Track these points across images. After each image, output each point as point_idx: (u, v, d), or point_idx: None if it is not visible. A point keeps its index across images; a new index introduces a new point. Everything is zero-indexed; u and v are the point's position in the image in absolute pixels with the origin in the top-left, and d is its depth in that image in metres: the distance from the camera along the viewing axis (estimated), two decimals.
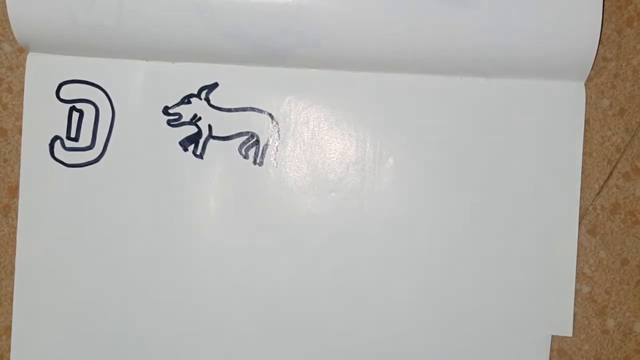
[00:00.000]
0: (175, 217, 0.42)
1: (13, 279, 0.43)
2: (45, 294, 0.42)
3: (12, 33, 0.42)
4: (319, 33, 0.40)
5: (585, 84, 0.41)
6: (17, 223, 0.43)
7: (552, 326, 0.42)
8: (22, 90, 0.44)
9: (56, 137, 0.43)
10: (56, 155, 0.43)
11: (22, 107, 0.43)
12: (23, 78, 0.43)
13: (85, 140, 0.43)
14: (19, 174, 0.43)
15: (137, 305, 0.42)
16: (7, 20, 0.42)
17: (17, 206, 0.43)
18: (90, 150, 0.43)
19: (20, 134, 0.43)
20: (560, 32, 0.39)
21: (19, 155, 0.43)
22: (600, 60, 0.42)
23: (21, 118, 0.43)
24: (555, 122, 0.42)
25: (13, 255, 0.43)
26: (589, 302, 0.42)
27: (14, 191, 0.43)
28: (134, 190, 0.42)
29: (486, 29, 0.40)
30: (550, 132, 0.42)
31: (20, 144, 0.43)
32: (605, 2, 0.40)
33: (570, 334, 0.42)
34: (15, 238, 0.43)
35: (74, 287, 0.42)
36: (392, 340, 0.42)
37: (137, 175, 0.42)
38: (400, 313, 0.42)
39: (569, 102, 0.42)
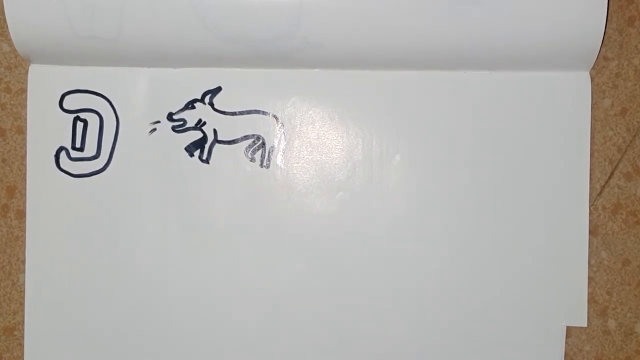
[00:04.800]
0: (184, 223, 0.42)
1: (12, 280, 0.43)
2: (55, 303, 0.43)
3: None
4: (322, 34, 0.40)
5: None
6: (15, 224, 0.43)
7: (566, 317, 0.42)
8: (21, 89, 0.43)
9: (61, 148, 0.42)
10: (62, 166, 0.42)
11: (21, 107, 0.43)
12: (22, 78, 0.43)
13: (90, 149, 0.42)
14: (17, 174, 0.43)
15: (146, 310, 0.43)
16: (6, 20, 0.41)
17: (15, 206, 0.43)
18: (96, 160, 0.42)
19: (19, 133, 0.43)
20: (564, 20, 0.39)
21: (18, 155, 0.43)
22: (601, 60, 0.42)
23: (20, 118, 0.43)
24: (562, 113, 0.42)
25: (12, 255, 0.43)
26: (590, 302, 0.42)
27: (12, 191, 0.43)
28: (141, 197, 0.42)
29: (489, 22, 0.39)
30: (557, 123, 0.42)
31: (18, 144, 0.43)
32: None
33: (585, 325, 0.42)
34: (14, 238, 0.43)
35: (83, 297, 0.43)
36: (407, 336, 0.42)
37: (144, 183, 0.42)
38: (413, 309, 0.42)
39: (574, 92, 0.42)
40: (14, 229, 0.43)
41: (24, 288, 0.42)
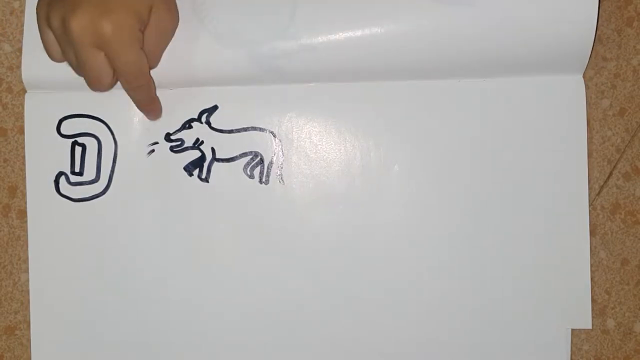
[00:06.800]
0: (186, 242, 0.42)
1: (13, 280, 0.44)
2: (60, 324, 0.43)
3: (12, 33, 0.42)
4: (315, 38, 0.40)
5: (585, 84, 0.41)
6: (17, 223, 0.43)
7: (571, 320, 0.42)
8: (22, 90, 0.43)
9: (61, 173, 0.42)
10: (62, 191, 0.42)
11: (22, 107, 0.43)
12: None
13: (89, 173, 0.42)
14: (18, 174, 0.44)
15: (149, 326, 0.43)
16: (7, 20, 0.41)
17: (17, 206, 0.43)
18: (96, 184, 0.42)
19: (21, 133, 0.43)
20: (555, 23, 0.39)
21: (19, 155, 0.43)
22: (600, 60, 0.42)
23: (21, 118, 0.43)
24: (558, 116, 0.42)
25: (13, 255, 0.44)
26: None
27: (13, 191, 0.43)
28: (142, 218, 0.43)
29: (480, 28, 0.39)
30: (553, 126, 0.42)
31: (20, 144, 0.43)
32: (605, 3, 0.39)
33: (589, 327, 0.42)
34: (15, 238, 0.44)
35: (87, 319, 0.43)
36: (411, 339, 0.43)
37: (144, 204, 0.43)
38: (417, 313, 0.42)
39: (569, 95, 0.41)
40: (15, 229, 0.43)
41: (25, 287, 0.43)
